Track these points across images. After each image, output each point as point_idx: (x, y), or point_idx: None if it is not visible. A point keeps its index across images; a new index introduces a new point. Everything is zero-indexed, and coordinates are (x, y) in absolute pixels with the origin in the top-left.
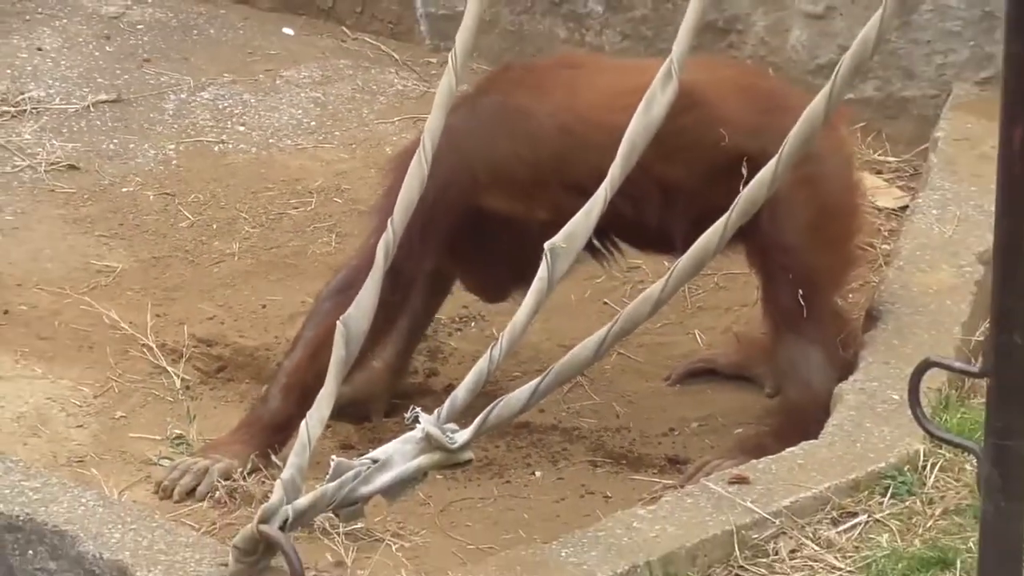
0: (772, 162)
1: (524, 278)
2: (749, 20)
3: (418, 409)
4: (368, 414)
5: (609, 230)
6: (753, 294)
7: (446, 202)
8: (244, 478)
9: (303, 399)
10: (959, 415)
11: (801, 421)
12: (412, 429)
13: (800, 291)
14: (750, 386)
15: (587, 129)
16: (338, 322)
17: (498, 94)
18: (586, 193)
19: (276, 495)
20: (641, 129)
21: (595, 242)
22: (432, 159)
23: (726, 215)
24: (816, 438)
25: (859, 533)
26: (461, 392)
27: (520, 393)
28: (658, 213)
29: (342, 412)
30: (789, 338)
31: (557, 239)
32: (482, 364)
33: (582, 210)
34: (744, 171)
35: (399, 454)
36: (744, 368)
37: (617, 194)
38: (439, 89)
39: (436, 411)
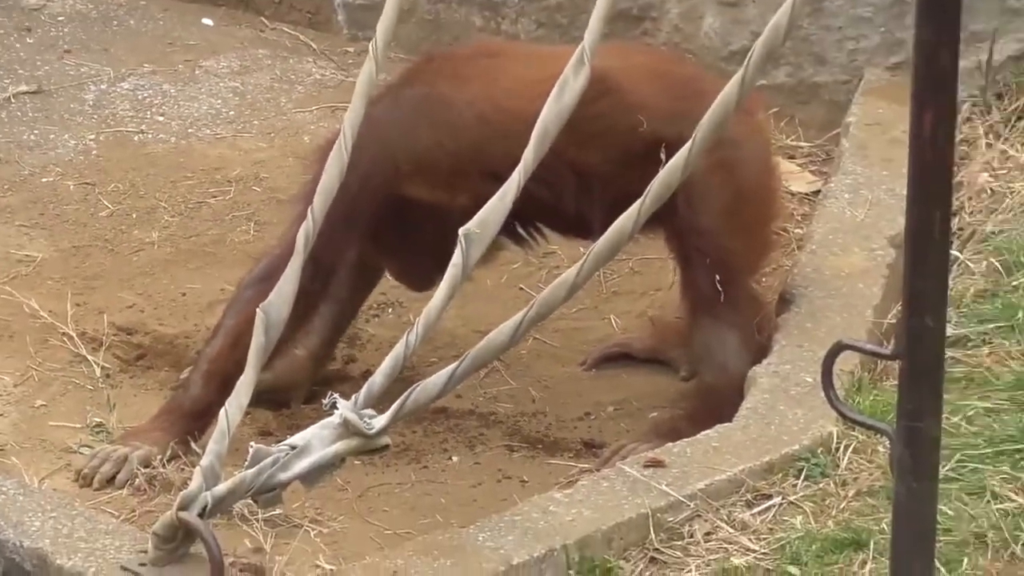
0: (685, 147)
1: (447, 265)
2: (663, 8)
3: (336, 395)
4: (287, 401)
5: (530, 216)
6: (667, 278)
7: (369, 192)
8: (163, 465)
9: (224, 386)
10: (872, 397)
11: (716, 404)
12: (330, 415)
13: (717, 275)
14: (665, 370)
15: (505, 118)
16: (258, 309)
17: (420, 85)
18: (505, 181)
19: (195, 482)
20: (553, 115)
21: (518, 228)
22: (355, 149)
23: (640, 200)
24: (731, 421)
25: (773, 515)
26: (378, 378)
27: (437, 379)
28: (575, 199)
29: (261, 399)
30: (706, 321)
31: (471, 225)
32: (398, 350)
33: (495, 196)
34: (663, 156)
35: (317, 440)
36: (659, 352)
37: (534, 180)
38: (360, 78)
39: (353, 397)
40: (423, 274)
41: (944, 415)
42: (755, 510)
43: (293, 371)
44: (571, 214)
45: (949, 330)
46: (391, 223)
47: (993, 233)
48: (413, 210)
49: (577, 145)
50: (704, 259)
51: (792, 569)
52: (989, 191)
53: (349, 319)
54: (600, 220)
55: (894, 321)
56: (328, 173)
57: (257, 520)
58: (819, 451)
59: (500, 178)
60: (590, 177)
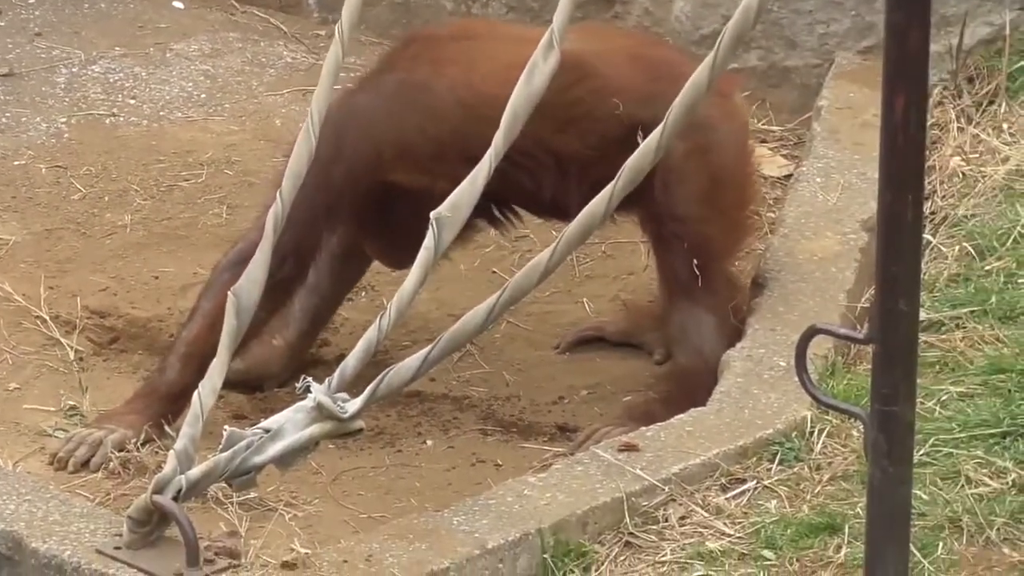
0: (657, 130)
1: None
2: None
3: (309, 379)
4: (260, 385)
5: (508, 198)
6: (640, 262)
7: (352, 180)
8: (138, 449)
9: (200, 370)
10: (845, 381)
11: (691, 388)
12: (303, 399)
13: (694, 259)
14: (638, 354)
15: (483, 103)
16: (229, 293)
17: (400, 71)
18: None
19: (169, 465)
20: (523, 99)
21: (494, 210)
22: (337, 137)
23: (612, 183)
24: (705, 405)
25: (748, 499)
26: (351, 361)
27: (410, 362)
28: (553, 183)
29: (235, 383)
30: (682, 305)
31: (443, 208)
32: (371, 333)
33: (466, 180)
34: (640, 139)
35: (291, 424)
36: (632, 335)
37: (513, 165)
38: (326, 61)
39: (327, 381)
40: (402, 254)
41: (918, 399)
42: (729, 494)
43: (268, 360)
44: (549, 198)
45: (922, 314)
46: (373, 206)
47: (965, 217)
48: (394, 194)
49: (555, 130)
50: (681, 243)
51: (767, 553)
52: (961, 175)
53: (330, 312)
54: (577, 204)
55: (867, 305)
56: (296, 156)
57: (232, 503)
58: (793, 435)
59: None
60: (569, 162)
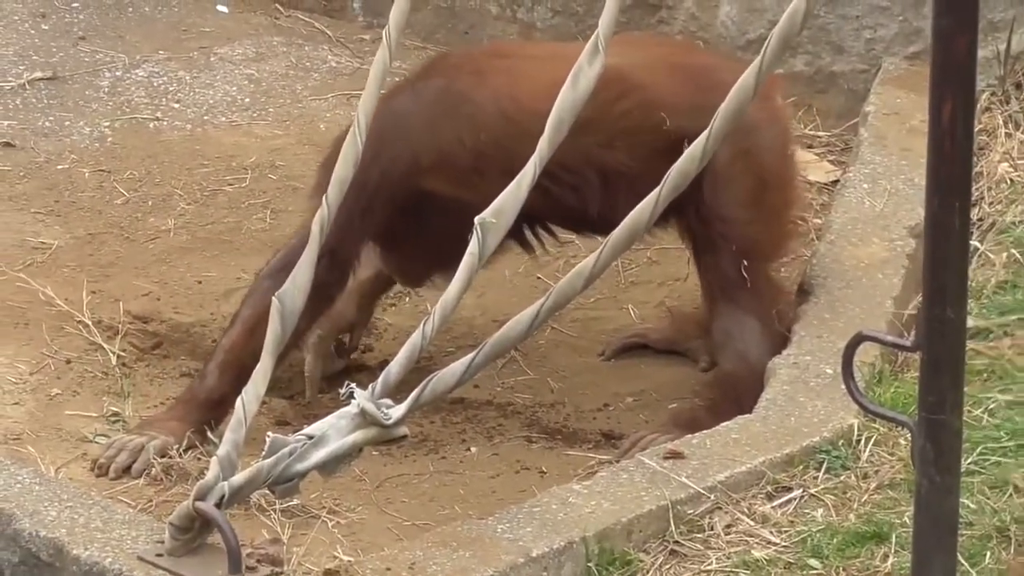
0: (702, 136)
1: (453, 262)
2: None
3: (353, 385)
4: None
5: (549, 217)
6: (686, 268)
7: (388, 185)
8: (180, 455)
9: (240, 377)
10: (892, 389)
11: (736, 394)
12: (347, 405)
13: (739, 262)
14: (683, 360)
15: (527, 117)
16: (273, 298)
17: (440, 78)
18: None
19: (212, 472)
20: (568, 103)
21: (526, 231)
22: (375, 141)
23: (657, 189)
24: (751, 411)
25: (794, 508)
26: (395, 367)
27: (454, 368)
28: (599, 199)
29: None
30: (726, 309)
31: (487, 214)
32: (415, 339)
33: (511, 184)
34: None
35: (334, 430)
36: (677, 342)
37: (558, 183)
38: (373, 65)
39: (370, 387)
40: (421, 269)
41: (965, 408)
42: (776, 503)
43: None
44: (595, 214)
45: (970, 321)
46: (404, 216)
47: (1013, 223)
48: (424, 203)
49: (602, 145)
50: (727, 245)
51: (813, 562)
52: (1009, 181)
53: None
54: (622, 218)
55: (914, 312)
56: (342, 161)
57: (274, 510)
58: (840, 443)
59: None
60: (616, 177)
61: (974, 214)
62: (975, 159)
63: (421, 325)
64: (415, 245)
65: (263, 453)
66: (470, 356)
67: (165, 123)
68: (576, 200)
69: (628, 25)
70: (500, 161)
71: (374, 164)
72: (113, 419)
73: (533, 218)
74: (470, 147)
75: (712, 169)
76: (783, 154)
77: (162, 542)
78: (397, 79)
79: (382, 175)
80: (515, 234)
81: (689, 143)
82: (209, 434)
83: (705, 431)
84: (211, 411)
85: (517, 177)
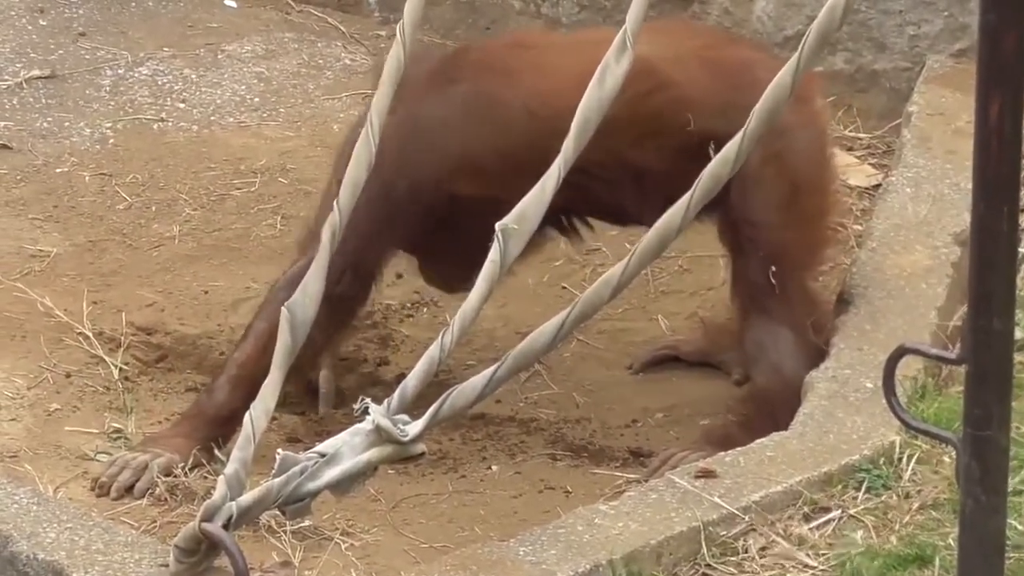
0: (736, 138)
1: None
2: None
3: (367, 400)
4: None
5: (585, 211)
6: (719, 277)
7: (417, 196)
8: (186, 474)
9: (251, 393)
10: (936, 404)
11: (770, 409)
12: (361, 421)
13: (770, 269)
14: (716, 374)
15: (556, 115)
16: (283, 308)
17: (467, 82)
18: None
19: (219, 491)
20: (595, 103)
21: (564, 221)
22: (399, 152)
23: (689, 193)
24: (787, 427)
25: (832, 529)
26: (412, 381)
27: (474, 382)
28: (633, 196)
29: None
30: (759, 320)
31: (508, 219)
32: (433, 351)
33: (534, 189)
34: (712, 152)
35: (348, 447)
36: (709, 355)
37: (591, 178)
38: (387, 63)
39: (386, 402)
40: (461, 275)
41: (1013, 424)
42: (813, 524)
43: None
44: (630, 210)
45: (1018, 333)
46: (435, 223)
47: None
48: (457, 209)
49: (631, 144)
50: (757, 251)
51: None
52: None
53: None
54: (656, 216)
55: (959, 323)
56: (355, 164)
57: (285, 532)
58: (881, 461)
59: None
60: (645, 175)
61: (1023, 219)
62: None
63: (439, 337)
64: (452, 251)
65: (273, 471)
66: (491, 369)
67: (170, 124)
68: (610, 196)
69: (658, 19)
70: (535, 161)
71: (400, 175)
72: (115, 436)
73: (570, 211)
74: (503, 151)
75: (742, 172)
76: (819, 158)
77: (166, 565)
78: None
79: (410, 186)
80: (553, 222)
81: (717, 143)
82: (216, 452)
83: (739, 449)
84: (220, 428)
85: (540, 182)
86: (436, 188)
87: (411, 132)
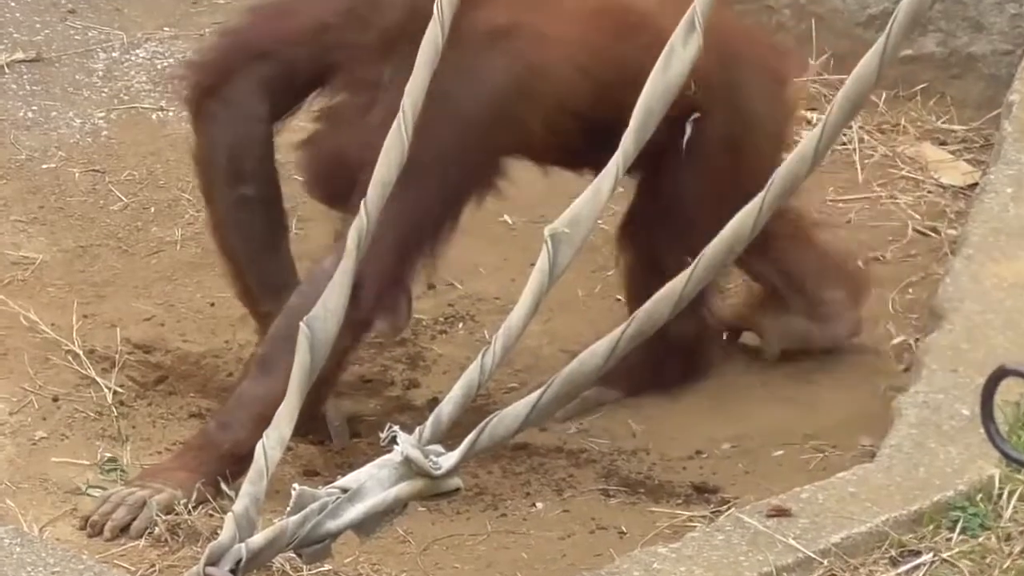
0: (814, 133)
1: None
2: None
3: (396, 428)
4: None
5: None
6: None
7: (465, 188)
8: (189, 511)
9: None
10: None
11: None
12: (389, 451)
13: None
14: (789, 401)
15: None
16: (301, 324)
17: (501, 54)
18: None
19: (227, 531)
20: (659, 91)
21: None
22: (437, 141)
23: (760, 195)
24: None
25: (923, 575)
26: (446, 407)
27: (517, 409)
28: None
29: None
30: None
31: (559, 223)
32: (472, 373)
33: (588, 190)
34: (689, 126)
35: (374, 481)
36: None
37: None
38: (423, 46)
39: (417, 430)
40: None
41: None
42: (901, 569)
43: None
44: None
45: None
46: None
47: None
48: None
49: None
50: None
51: None
52: None
53: None
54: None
55: None
56: (385, 163)
57: None
58: (978, 498)
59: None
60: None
61: None
62: None
63: (479, 356)
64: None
65: (288, 509)
66: (536, 394)
67: (171, 114)
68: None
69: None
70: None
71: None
72: (109, 468)
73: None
74: (548, 121)
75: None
76: (777, 147)
77: None
78: None
79: (461, 178)
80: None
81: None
82: (223, 486)
83: (815, 484)
84: (233, 465)
85: (595, 181)
86: (484, 171)
87: (443, 117)
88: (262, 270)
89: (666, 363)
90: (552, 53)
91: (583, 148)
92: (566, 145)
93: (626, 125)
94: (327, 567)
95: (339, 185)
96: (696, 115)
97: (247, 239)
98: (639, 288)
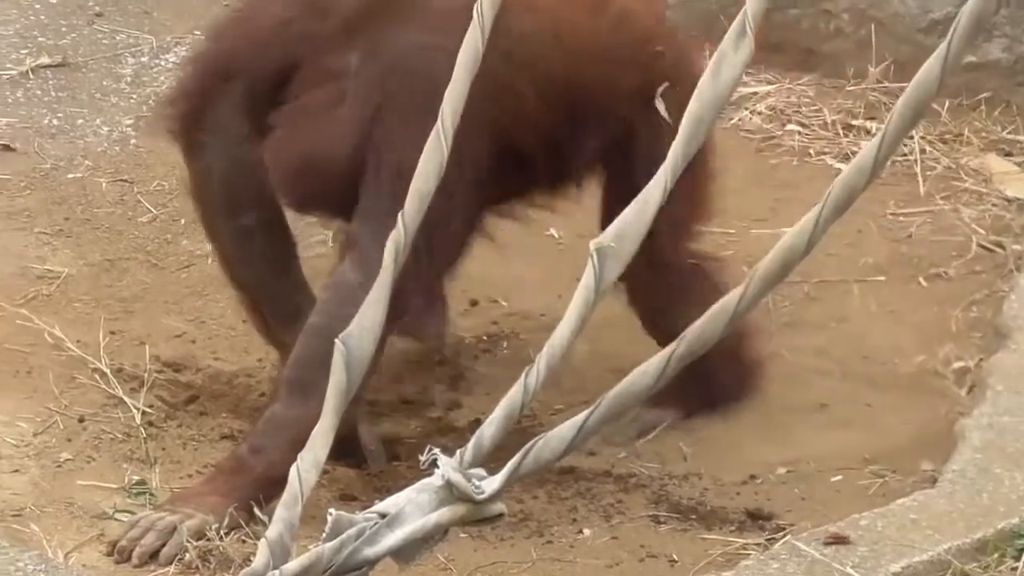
0: (874, 142)
1: None
2: None
3: (436, 450)
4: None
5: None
6: (851, 306)
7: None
8: (221, 537)
9: None
10: None
11: None
12: (429, 475)
13: None
14: (848, 423)
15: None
16: (336, 341)
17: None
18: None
19: (260, 558)
20: (709, 99)
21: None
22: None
23: (818, 207)
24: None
25: None
26: (489, 429)
27: (562, 431)
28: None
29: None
30: None
31: (605, 238)
32: (515, 394)
33: (635, 202)
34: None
35: (413, 506)
36: None
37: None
38: (463, 50)
39: (459, 453)
40: None
41: None
42: None
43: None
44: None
45: None
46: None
47: None
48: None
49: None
50: None
51: None
52: None
53: None
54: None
55: None
56: (423, 171)
57: None
58: None
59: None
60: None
61: None
62: None
63: (523, 376)
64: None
65: (324, 535)
66: (582, 416)
67: None
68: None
69: (783, 2)
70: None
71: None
72: (137, 491)
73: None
74: (539, 89)
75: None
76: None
77: None
78: None
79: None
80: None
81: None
82: (257, 511)
83: (876, 510)
84: (266, 488)
85: (642, 194)
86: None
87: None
88: (275, 298)
89: (717, 382)
90: (532, 21)
91: (567, 137)
92: (556, 128)
93: (593, 113)
94: None
95: (310, 188)
96: (665, 84)
97: (255, 270)
98: (646, 292)
